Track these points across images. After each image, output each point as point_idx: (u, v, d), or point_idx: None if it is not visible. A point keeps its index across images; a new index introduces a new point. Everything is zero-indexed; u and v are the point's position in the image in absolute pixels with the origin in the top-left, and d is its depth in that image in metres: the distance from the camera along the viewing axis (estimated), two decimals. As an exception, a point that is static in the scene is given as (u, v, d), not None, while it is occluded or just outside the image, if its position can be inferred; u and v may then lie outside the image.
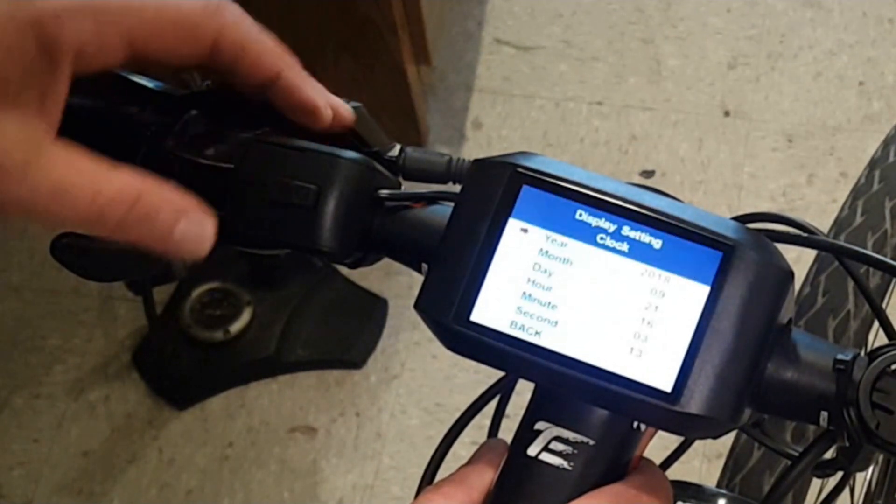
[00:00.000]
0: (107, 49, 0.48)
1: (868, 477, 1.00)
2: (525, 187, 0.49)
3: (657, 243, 0.48)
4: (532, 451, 0.50)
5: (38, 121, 0.46)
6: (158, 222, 0.48)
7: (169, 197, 0.48)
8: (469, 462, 0.53)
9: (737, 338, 0.47)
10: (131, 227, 0.47)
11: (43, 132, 0.46)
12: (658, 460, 0.64)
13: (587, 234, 0.48)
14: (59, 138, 0.47)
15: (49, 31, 0.46)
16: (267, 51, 0.52)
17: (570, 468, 0.50)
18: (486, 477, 0.52)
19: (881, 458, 0.97)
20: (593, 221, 0.48)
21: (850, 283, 0.91)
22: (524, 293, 0.48)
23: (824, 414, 0.49)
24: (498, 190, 0.49)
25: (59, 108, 0.47)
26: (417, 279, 0.51)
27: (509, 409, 0.58)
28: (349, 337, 1.75)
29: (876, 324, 0.90)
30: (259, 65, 0.52)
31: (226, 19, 0.50)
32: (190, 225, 0.48)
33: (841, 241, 0.73)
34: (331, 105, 0.53)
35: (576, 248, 0.48)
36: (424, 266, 0.51)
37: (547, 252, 0.48)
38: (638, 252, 0.48)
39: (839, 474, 0.57)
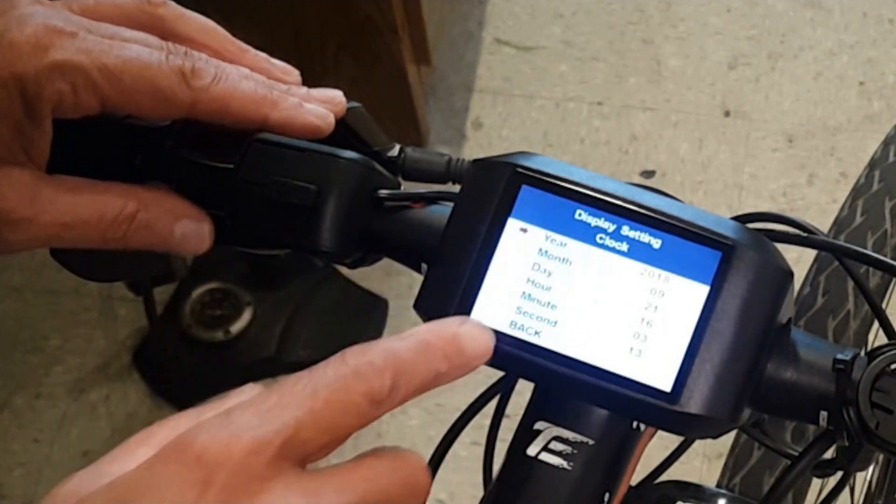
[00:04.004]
0: (82, 105, 0.49)
1: (868, 477, 1.00)
2: (524, 187, 0.49)
3: (656, 243, 0.48)
4: (532, 451, 0.50)
5: (31, 170, 0.49)
6: (157, 229, 0.51)
7: (164, 204, 0.52)
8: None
9: (736, 337, 0.47)
10: (133, 237, 0.51)
11: (37, 179, 0.49)
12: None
13: (587, 234, 0.48)
14: (53, 177, 0.50)
15: (32, 90, 0.47)
16: (248, 102, 0.51)
17: (569, 468, 0.49)
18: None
19: (881, 458, 0.97)
20: (593, 221, 0.48)
21: (850, 283, 0.91)
22: (524, 293, 0.48)
23: (824, 414, 0.49)
24: (497, 190, 0.49)
25: (45, 154, 0.50)
26: (417, 279, 0.51)
27: (509, 409, 0.58)
28: (350, 337, 1.74)
29: (876, 324, 0.90)
30: (243, 118, 0.52)
31: (203, 84, 0.50)
32: (188, 223, 0.52)
33: (841, 241, 0.73)
34: (322, 104, 0.53)
35: (575, 247, 0.48)
36: (424, 266, 0.51)
37: (546, 252, 0.48)
38: (637, 252, 0.48)
39: (839, 474, 0.57)
